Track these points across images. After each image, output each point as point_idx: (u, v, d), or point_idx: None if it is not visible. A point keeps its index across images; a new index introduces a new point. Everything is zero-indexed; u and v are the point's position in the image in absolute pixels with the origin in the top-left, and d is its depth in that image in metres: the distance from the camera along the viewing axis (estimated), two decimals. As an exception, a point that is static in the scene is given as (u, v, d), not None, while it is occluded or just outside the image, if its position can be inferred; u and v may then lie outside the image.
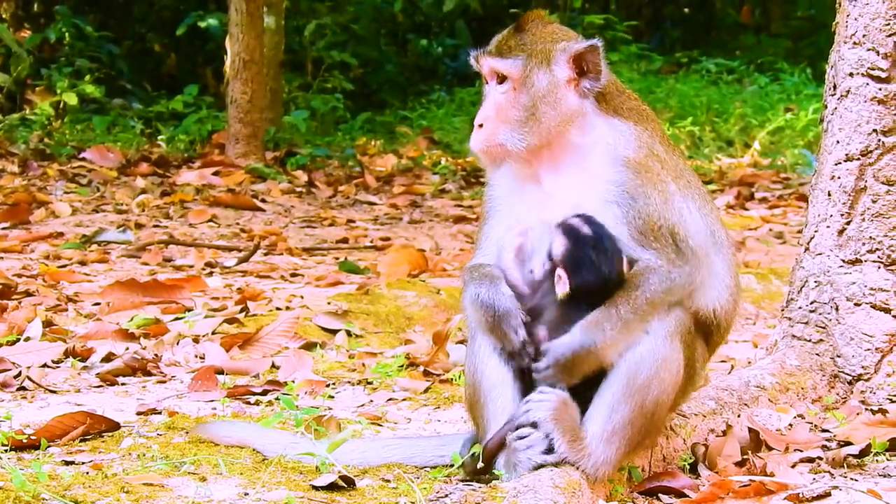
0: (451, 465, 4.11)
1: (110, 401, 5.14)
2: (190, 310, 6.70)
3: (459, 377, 5.47)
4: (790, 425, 4.81)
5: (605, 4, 21.72)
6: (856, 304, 5.10)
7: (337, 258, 9.13)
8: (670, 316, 3.97)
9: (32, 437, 4.35)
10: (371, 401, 5.28)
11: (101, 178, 12.81)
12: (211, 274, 8.22)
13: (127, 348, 5.88)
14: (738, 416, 4.71)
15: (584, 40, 4.09)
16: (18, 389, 5.24)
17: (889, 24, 5.01)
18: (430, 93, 18.99)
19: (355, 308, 6.70)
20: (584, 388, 3.95)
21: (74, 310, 6.77)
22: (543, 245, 4.03)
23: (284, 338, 6.06)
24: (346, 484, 3.96)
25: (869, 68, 5.05)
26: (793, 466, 4.39)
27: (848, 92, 5.12)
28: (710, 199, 4.26)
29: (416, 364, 5.81)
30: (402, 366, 5.75)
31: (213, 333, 6.19)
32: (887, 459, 4.46)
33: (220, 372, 5.52)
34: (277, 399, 5.12)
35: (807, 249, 5.28)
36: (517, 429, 3.91)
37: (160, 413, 4.93)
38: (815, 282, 5.22)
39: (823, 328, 5.18)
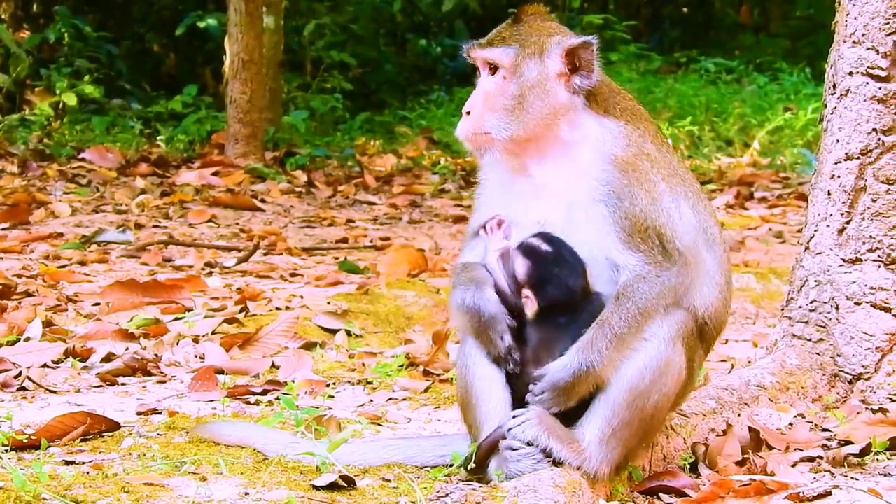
0: (452, 465, 4.11)
1: (110, 401, 5.14)
2: (190, 310, 6.69)
3: (459, 377, 5.47)
4: (790, 424, 4.80)
5: (603, 4, 21.71)
6: (856, 304, 5.10)
7: (336, 258, 9.12)
8: (670, 318, 3.95)
9: (33, 437, 4.35)
10: (371, 401, 5.28)
11: (100, 178, 12.80)
12: (210, 274, 8.21)
13: (127, 348, 5.88)
14: (739, 415, 4.70)
15: (580, 37, 4.08)
16: (18, 389, 5.24)
17: (889, 23, 5.01)
18: (429, 93, 18.98)
19: (355, 308, 6.70)
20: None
21: (74, 310, 6.77)
22: None
23: (284, 338, 6.06)
24: (346, 484, 3.96)
25: (868, 67, 5.05)
26: (793, 466, 4.39)
27: (848, 91, 5.11)
28: (705, 196, 4.23)
29: (416, 364, 5.81)
30: (401, 366, 5.75)
31: (213, 333, 6.19)
32: (888, 458, 4.46)
33: (220, 372, 5.52)
34: (277, 399, 5.12)
35: (807, 249, 5.28)
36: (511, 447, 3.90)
37: (160, 413, 4.93)
38: (815, 281, 5.21)
39: (823, 327, 5.18)
